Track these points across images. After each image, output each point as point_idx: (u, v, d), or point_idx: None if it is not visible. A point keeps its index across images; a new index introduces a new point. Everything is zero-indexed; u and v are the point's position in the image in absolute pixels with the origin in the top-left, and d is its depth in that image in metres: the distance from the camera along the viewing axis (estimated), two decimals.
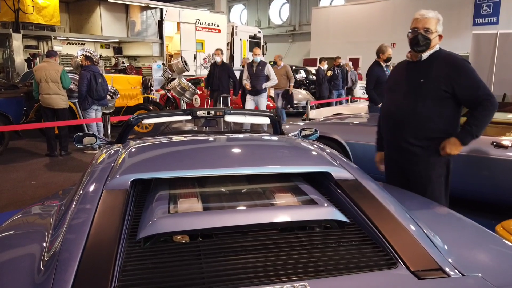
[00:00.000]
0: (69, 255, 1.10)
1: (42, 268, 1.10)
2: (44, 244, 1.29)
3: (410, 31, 2.36)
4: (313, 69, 16.47)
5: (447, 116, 2.34)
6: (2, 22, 10.79)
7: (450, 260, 1.16)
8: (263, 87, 7.59)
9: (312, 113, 7.37)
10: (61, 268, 1.06)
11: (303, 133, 2.90)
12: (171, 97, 9.05)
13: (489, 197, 3.59)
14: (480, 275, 1.10)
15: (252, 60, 7.63)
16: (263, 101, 7.70)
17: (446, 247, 1.26)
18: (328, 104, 9.73)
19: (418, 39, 2.29)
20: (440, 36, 2.34)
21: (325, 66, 10.27)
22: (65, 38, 12.59)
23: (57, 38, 12.17)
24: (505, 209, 3.81)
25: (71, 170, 5.47)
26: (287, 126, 5.01)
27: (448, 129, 2.35)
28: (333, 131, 4.38)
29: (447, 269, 1.11)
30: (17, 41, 10.86)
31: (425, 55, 2.35)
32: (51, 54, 6.32)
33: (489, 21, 16.32)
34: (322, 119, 5.82)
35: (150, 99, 8.31)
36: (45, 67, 6.05)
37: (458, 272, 1.11)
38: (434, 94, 2.30)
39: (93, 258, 1.09)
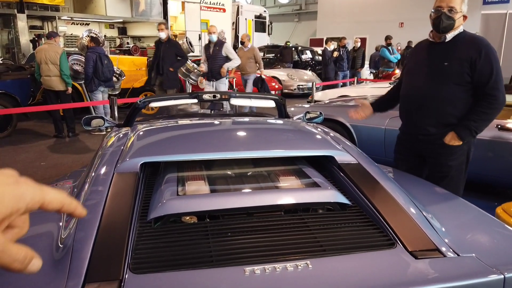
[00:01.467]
0: (85, 234, 1.17)
1: (60, 246, 1.17)
2: (60, 223, 1.36)
3: (433, 10, 2.21)
4: (319, 50, 16.32)
5: (468, 102, 2.22)
6: (6, 3, 10.74)
7: (446, 241, 1.22)
8: (226, 68, 6.73)
9: (318, 95, 7.36)
10: (78, 246, 1.12)
11: (308, 116, 2.92)
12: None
13: (492, 179, 3.63)
14: (474, 255, 1.15)
15: (209, 40, 6.75)
16: (222, 87, 6.87)
17: (443, 229, 1.30)
18: (334, 86, 9.68)
19: (442, 19, 2.14)
20: (465, 17, 2.20)
21: (331, 46, 10.15)
22: (70, 18, 12.52)
23: (62, 18, 12.11)
24: (508, 191, 3.85)
25: (79, 151, 5.57)
26: (292, 109, 5.02)
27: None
28: (338, 114, 4.39)
29: (443, 250, 1.16)
30: (21, 21, 10.84)
31: (449, 36, 2.21)
32: (51, 35, 6.31)
33: None
34: (327, 101, 5.82)
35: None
36: (45, 48, 6.05)
37: (453, 252, 1.16)
38: (458, 78, 2.18)
39: (107, 237, 1.16)
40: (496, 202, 3.04)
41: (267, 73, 11.62)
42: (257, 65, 7.95)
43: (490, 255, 1.17)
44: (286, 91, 11.29)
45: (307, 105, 5.25)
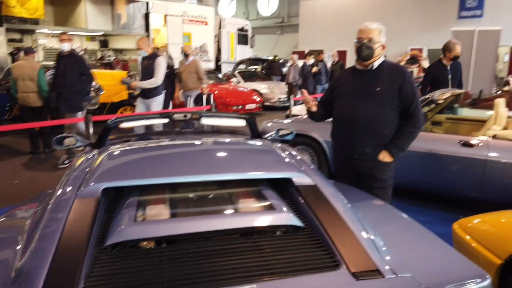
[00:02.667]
0: (39, 263, 1.20)
1: (14, 274, 1.20)
2: (18, 249, 1.39)
3: (355, 41, 2.49)
4: (300, 62, 16.56)
5: (397, 124, 2.51)
6: None
7: (387, 261, 1.29)
8: (137, 85, 5.75)
9: (296, 109, 7.48)
10: (31, 274, 1.16)
11: (280, 132, 3.01)
12: None
13: (455, 192, 3.76)
14: (411, 275, 1.23)
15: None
16: (155, 107, 5.83)
17: (386, 248, 1.38)
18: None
19: (362, 48, 2.43)
20: (383, 46, 2.47)
21: (310, 60, 10.33)
22: (49, 32, 12.43)
23: (41, 31, 12.02)
24: (471, 205, 3.99)
25: (55, 168, 5.51)
26: (269, 124, 5.11)
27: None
28: (312, 129, 4.49)
29: (383, 270, 1.24)
30: (0, 35, 10.72)
31: (375, 63, 2.49)
32: (28, 51, 6.25)
33: (474, 14, 16.50)
34: (305, 115, 5.92)
35: (135, 94, 8.32)
36: (22, 64, 5.98)
37: (392, 272, 1.24)
38: (390, 101, 2.45)
39: (61, 265, 1.19)
40: (461, 215, 3.16)
41: (248, 86, 11.76)
42: (200, 80, 7.08)
43: (427, 274, 1.25)
44: (268, 104, 11.42)
45: (286, 120, 5.33)
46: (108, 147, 2.22)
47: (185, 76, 7.09)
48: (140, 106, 5.88)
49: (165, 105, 6.51)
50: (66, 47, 5.48)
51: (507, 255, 2.00)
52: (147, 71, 5.67)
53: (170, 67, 7.22)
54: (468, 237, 2.30)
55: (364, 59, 2.47)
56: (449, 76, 5.12)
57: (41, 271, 1.16)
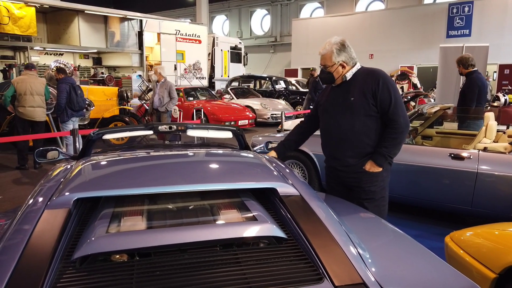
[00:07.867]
0: None
1: None
2: None
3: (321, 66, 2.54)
4: (293, 80, 16.68)
5: (380, 131, 2.42)
6: None
7: (373, 273, 1.22)
8: None
9: (287, 124, 7.46)
10: None
11: (269, 145, 2.97)
12: (147, 108, 9.02)
13: (446, 206, 3.69)
14: None
15: None
16: None
17: (372, 260, 1.31)
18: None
19: (323, 74, 2.51)
20: (342, 64, 2.42)
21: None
22: (42, 49, 12.44)
23: (34, 48, 12.02)
24: (463, 218, 3.93)
25: None
26: (260, 138, 5.07)
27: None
28: None
29: (368, 283, 1.16)
30: None
31: (348, 75, 2.46)
32: (32, 66, 6.39)
33: (462, 33, 16.85)
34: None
35: (127, 110, 8.27)
36: (29, 79, 6.09)
37: (379, 286, 1.16)
38: (365, 110, 2.37)
39: (21, 280, 1.10)
40: (453, 229, 3.09)
41: (241, 102, 11.78)
42: None
43: (416, 287, 1.17)
44: (260, 120, 11.43)
45: (278, 135, 5.30)
46: (87, 158, 2.14)
47: None
48: None
49: None
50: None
51: (501, 268, 1.93)
52: None
53: None
54: (461, 250, 2.23)
55: (324, 82, 2.57)
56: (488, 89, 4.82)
57: None
